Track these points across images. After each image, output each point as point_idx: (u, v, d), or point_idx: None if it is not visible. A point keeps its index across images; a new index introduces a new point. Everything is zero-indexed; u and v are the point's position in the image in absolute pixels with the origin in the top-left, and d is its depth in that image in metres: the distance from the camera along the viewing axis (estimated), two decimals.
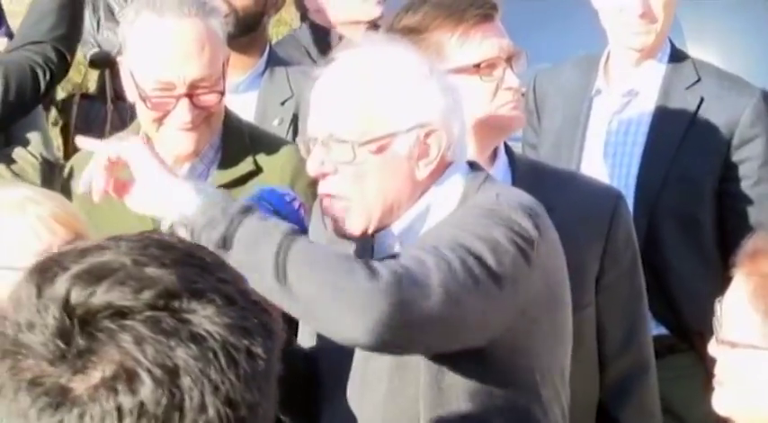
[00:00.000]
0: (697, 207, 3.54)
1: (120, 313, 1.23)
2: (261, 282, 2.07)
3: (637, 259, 2.93)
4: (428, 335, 2.19)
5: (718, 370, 2.22)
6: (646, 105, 3.59)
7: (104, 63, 5.63)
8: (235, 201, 2.25)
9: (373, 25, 4.32)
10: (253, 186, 2.99)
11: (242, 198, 2.35)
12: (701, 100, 3.55)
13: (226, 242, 2.17)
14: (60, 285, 1.26)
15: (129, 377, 1.22)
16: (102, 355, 1.22)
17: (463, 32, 2.74)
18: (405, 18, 2.79)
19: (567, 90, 3.67)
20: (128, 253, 1.28)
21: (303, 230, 2.33)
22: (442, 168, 2.40)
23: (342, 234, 2.39)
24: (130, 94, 2.99)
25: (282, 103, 3.74)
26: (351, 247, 2.43)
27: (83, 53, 5.56)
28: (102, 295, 1.24)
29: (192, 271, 1.27)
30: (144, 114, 2.95)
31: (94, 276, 1.26)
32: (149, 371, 1.21)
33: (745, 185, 3.54)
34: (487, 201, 2.33)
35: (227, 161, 3.03)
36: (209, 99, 2.91)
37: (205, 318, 1.24)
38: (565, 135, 3.62)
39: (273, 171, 3.03)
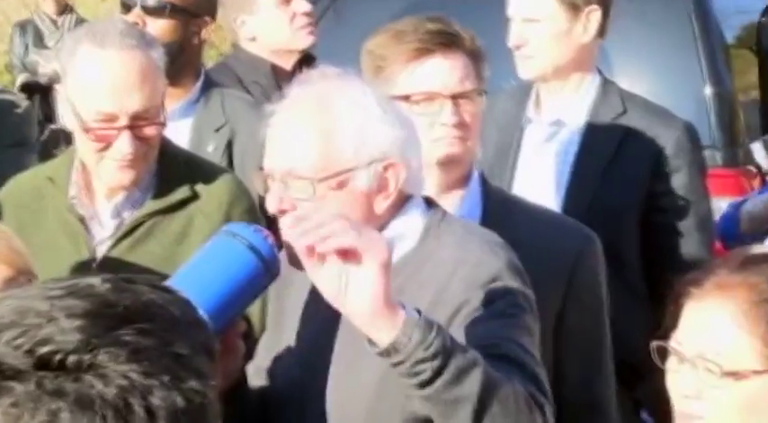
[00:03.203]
0: (620, 239, 3.49)
1: (7, 374, 1.19)
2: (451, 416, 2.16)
3: (601, 304, 2.90)
4: None
5: (709, 406, 2.06)
6: (572, 136, 3.59)
7: (34, 89, 5.62)
8: (439, 333, 2.16)
9: (305, 54, 4.36)
10: (189, 212, 3.03)
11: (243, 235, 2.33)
12: (626, 131, 3.55)
13: (432, 378, 2.14)
14: None
15: None
16: None
17: (411, 61, 2.73)
18: (369, 42, 2.82)
19: (501, 120, 3.63)
20: (47, 300, 1.23)
21: (276, 265, 2.33)
22: (401, 202, 2.40)
23: (297, 266, 2.35)
24: (69, 123, 3.01)
25: (217, 130, 3.76)
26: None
27: (11, 77, 5.57)
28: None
29: (104, 323, 1.22)
30: (84, 145, 2.96)
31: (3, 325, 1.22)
32: None
33: (669, 217, 3.54)
34: (487, 273, 2.35)
35: (163, 188, 3.05)
36: (150, 131, 2.93)
37: (98, 377, 1.19)
38: (497, 165, 3.59)
39: (210, 198, 3.06)
